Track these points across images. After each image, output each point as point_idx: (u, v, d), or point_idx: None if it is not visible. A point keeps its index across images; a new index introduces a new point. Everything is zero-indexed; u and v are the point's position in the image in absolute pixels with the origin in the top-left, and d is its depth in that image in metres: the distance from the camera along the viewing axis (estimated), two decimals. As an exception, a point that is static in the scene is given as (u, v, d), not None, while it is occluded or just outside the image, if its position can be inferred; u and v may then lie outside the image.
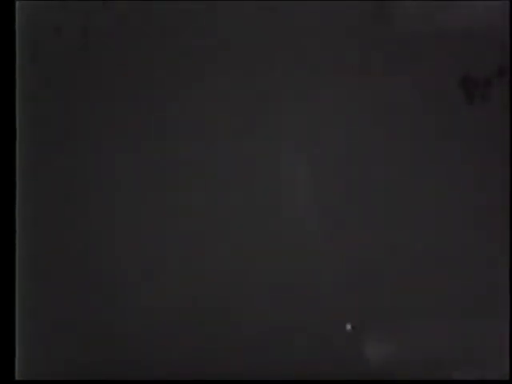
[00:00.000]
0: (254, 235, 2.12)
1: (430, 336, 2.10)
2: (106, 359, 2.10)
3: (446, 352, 2.09)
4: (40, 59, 2.09)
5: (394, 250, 2.11)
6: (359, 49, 2.12)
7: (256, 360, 2.10)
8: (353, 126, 2.13)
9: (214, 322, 2.11)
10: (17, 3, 2.04)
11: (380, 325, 2.10)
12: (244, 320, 2.11)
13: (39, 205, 2.12)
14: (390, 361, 2.08)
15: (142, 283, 2.13)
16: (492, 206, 2.10)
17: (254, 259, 2.12)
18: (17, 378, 2.03)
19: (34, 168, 2.12)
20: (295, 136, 2.13)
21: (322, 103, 2.13)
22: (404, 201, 2.12)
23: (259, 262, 2.12)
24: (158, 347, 2.10)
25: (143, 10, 2.10)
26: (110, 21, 2.10)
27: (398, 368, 2.07)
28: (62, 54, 2.10)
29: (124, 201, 2.13)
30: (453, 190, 2.12)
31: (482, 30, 2.10)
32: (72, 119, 2.13)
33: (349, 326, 2.08)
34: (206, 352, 2.12)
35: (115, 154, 2.13)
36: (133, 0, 2.09)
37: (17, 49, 2.05)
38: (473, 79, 2.09)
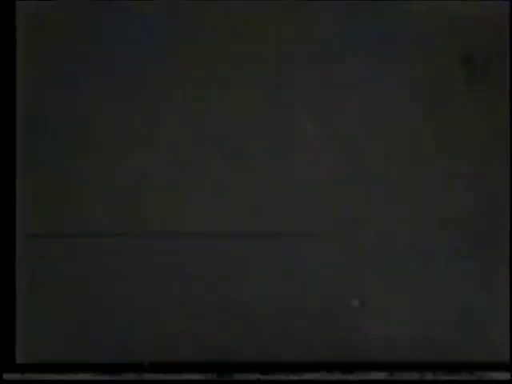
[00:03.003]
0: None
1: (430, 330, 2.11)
2: (106, 355, 2.10)
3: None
4: (40, 58, 2.11)
5: (392, 244, 2.11)
6: (359, 30, 2.15)
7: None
8: (352, 112, 2.15)
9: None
10: (17, 3, 2.06)
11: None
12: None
13: (39, 203, 2.14)
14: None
15: (143, 283, 2.13)
16: (492, 202, 2.12)
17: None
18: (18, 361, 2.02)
19: (34, 167, 2.13)
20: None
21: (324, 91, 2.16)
22: (404, 190, 2.14)
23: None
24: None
25: (144, 10, 2.14)
26: (110, 20, 2.12)
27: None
28: (62, 53, 2.12)
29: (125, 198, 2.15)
30: (452, 183, 2.14)
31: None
32: (72, 118, 2.14)
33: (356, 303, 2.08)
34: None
35: (114, 151, 2.15)
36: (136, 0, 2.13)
37: (17, 49, 2.07)
38: (473, 58, 2.11)
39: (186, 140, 2.15)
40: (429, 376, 2.05)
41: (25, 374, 1.97)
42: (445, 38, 2.14)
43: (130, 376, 2.04)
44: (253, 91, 2.15)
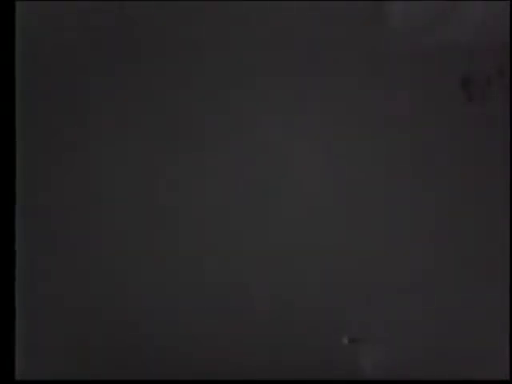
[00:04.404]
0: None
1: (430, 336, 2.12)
2: (106, 359, 2.11)
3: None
4: (40, 59, 2.09)
5: (393, 249, 2.11)
6: (360, 48, 2.12)
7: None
8: (352, 125, 2.13)
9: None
10: (17, 3, 2.02)
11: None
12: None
13: (39, 204, 2.13)
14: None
15: (143, 283, 2.13)
16: (492, 208, 2.11)
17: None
18: (17, 378, 2.03)
19: (33, 169, 2.12)
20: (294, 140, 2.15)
21: (322, 103, 2.14)
22: (404, 199, 2.13)
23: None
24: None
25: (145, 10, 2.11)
26: (110, 21, 2.10)
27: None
28: (63, 53, 2.10)
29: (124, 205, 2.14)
30: (453, 190, 2.13)
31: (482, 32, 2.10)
32: (72, 118, 2.13)
33: (345, 340, 2.09)
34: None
35: (115, 153, 2.14)
36: (135, 0, 2.10)
37: (17, 48, 2.03)
38: (473, 79, 2.09)
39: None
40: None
41: None
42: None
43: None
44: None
